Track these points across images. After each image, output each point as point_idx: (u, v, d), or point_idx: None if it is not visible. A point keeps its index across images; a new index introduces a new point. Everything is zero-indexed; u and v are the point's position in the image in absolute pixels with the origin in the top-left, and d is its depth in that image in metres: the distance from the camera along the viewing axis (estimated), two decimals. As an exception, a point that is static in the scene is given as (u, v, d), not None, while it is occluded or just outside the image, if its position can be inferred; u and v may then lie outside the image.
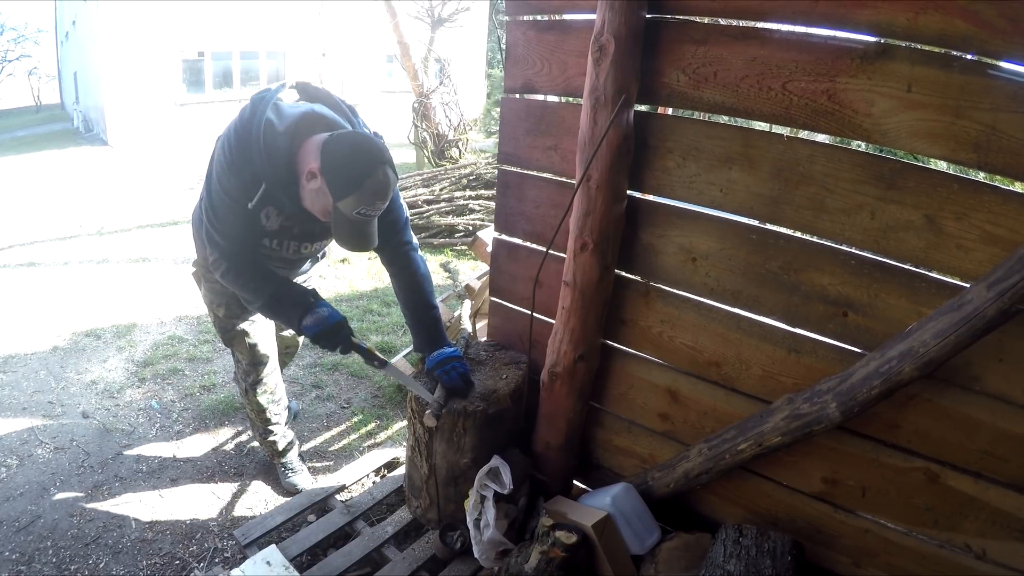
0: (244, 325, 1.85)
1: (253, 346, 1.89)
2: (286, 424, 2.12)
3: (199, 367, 2.95)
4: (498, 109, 2.21)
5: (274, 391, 2.01)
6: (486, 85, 15.49)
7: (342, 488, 2.05)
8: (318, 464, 2.31)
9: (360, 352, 1.59)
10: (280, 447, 2.11)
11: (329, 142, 1.37)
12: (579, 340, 1.56)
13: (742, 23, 1.29)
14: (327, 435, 2.49)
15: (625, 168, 1.42)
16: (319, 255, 1.85)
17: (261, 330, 1.90)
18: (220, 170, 1.43)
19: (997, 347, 1.12)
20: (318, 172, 1.36)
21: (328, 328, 1.53)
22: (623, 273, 1.56)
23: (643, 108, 1.44)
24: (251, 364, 1.92)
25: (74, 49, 15.22)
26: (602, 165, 1.39)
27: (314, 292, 1.61)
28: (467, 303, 2.71)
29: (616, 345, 1.64)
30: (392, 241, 1.65)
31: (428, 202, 5.41)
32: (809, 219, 1.28)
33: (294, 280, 1.93)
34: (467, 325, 2.51)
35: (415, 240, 1.74)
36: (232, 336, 1.87)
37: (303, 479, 2.13)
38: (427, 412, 1.59)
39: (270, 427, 2.06)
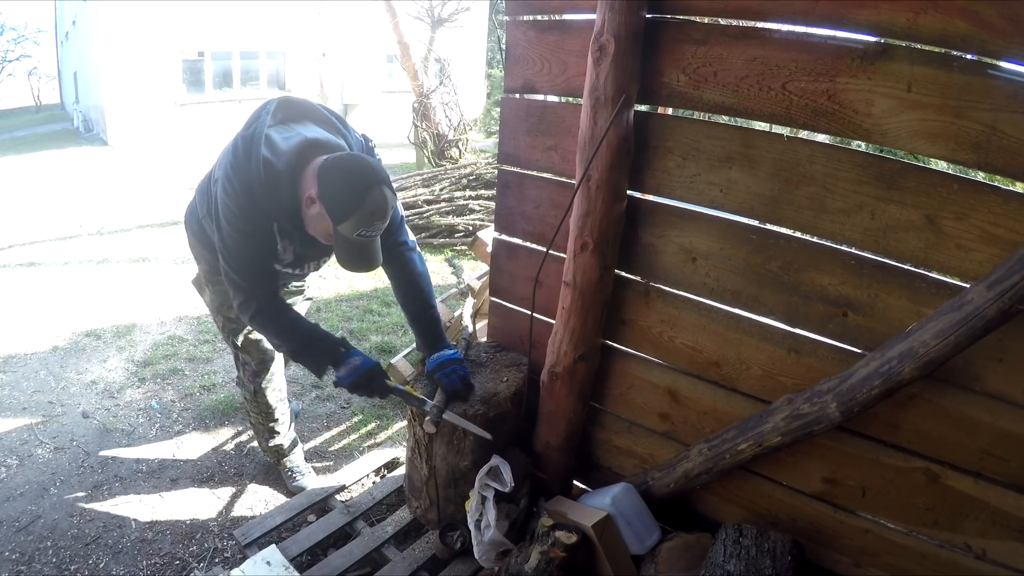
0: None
1: (259, 342, 1.87)
2: (290, 426, 2.12)
3: (199, 367, 2.95)
4: (498, 109, 2.21)
5: (280, 389, 2.02)
6: (486, 85, 15.49)
7: (342, 488, 2.05)
8: (318, 464, 2.30)
9: (398, 395, 1.58)
10: (285, 447, 2.11)
11: (324, 166, 1.36)
12: (579, 340, 1.56)
13: (742, 23, 1.29)
14: (327, 435, 2.49)
15: (625, 168, 1.42)
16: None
17: None
18: (228, 214, 1.42)
19: (997, 347, 1.12)
20: (316, 198, 1.36)
21: (362, 377, 1.53)
22: (623, 273, 1.56)
23: (643, 108, 1.44)
24: (261, 363, 1.92)
25: (74, 49, 15.22)
26: (602, 165, 1.39)
27: (343, 341, 1.59)
28: (469, 301, 2.71)
29: (616, 345, 1.64)
30: (387, 242, 1.63)
31: (428, 202, 5.41)
32: (809, 219, 1.28)
33: (293, 284, 1.93)
34: (468, 324, 2.50)
35: (411, 239, 1.72)
36: (243, 338, 1.85)
37: (311, 482, 2.12)
38: (426, 419, 1.58)
39: (276, 428, 2.05)
